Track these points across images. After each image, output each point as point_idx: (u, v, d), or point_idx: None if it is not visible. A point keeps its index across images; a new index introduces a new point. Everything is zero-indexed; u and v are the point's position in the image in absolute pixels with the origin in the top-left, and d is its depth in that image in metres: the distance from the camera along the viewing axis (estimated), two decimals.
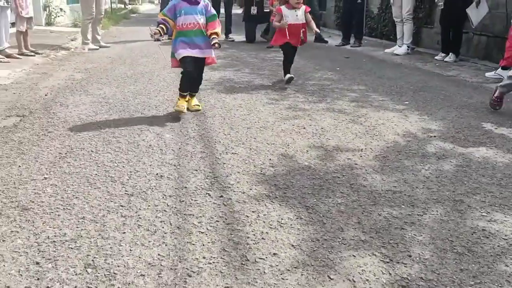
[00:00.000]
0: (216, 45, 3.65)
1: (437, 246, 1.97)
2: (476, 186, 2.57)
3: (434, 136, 3.43)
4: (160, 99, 4.36)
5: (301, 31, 4.92)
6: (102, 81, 5.09)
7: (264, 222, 2.15)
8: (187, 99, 3.90)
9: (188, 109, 3.87)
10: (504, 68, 5.58)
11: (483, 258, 1.90)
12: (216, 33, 3.67)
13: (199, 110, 3.92)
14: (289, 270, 1.80)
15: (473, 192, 2.50)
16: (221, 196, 2.39)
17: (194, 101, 4.00)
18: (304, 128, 3.59)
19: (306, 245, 1.97)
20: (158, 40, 4.10)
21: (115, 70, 5.79)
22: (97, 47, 7.75)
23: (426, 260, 1.88)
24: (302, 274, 1.77)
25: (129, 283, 1.67)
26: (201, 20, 3.65)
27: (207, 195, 2.41)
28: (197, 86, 3.99)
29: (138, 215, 2.16)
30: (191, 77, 3.77)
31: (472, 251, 1.94)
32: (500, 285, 1.73)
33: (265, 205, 2.32)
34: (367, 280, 1.75)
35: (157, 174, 2.64)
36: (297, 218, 2.19)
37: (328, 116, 3.93)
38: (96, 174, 2.60)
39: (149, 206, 2.25)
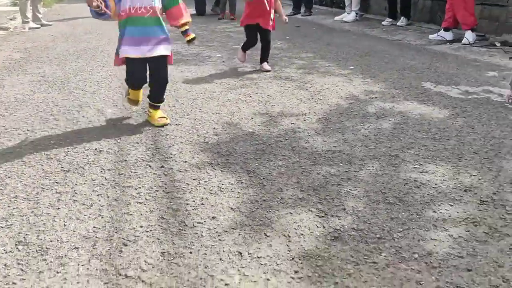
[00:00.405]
0: (195, 42, 2.95)
1: (370, 199, 2.05)
2: (411, 141, 2.67)
3: (376, 98, 3.51)
4: (103, 74, 4.23)
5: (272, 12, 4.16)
6: (42, 60, 4.86)
7: (204, 188, 2.16)
8: (140, 93, 3.08)
9: (152, 123, 2.97)
10: (446, 29, 5.75)
11: (413, 206, 1.99)
12: (187, 24, 2.83)
13: (166, 124, 2.94)
14: (226, 231, 1.82)
15: (408, 146, 2.59)
16: (162, 167, 2.37)
17: (159, 113, 2.98)
18: (250, 96, 3.59)
19: (245, 207, 1.99)
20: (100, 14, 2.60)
21: (56, 48, 5.54)
22: (39, 26, 7.36)
23: (359, 212, 1.95)
24: (239, 234, 1.80)
25: (62, 257, 1.64)
26: (157, 3, 2.70)
27: (147, 166, 2.38)
28: (159, 94, 2.96)
29: (74, 190, 2.11)
30: (138, 83, 2.95)
31: (403, 201, 2.03)
32: (427, 229, 1.82)
33: (207, 172, 2.32)
34: (302, 234, 1.79)
35: (95, 149, 2.57)
36: (237, 183, 2.21)
37: (275, 84, 3.94)
38: (31, 153, 2.51)
39: (86, 181, 2.21)
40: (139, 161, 2.43)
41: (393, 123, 2.97)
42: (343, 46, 5.64)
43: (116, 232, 1.80)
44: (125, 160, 2.44)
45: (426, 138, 2.71)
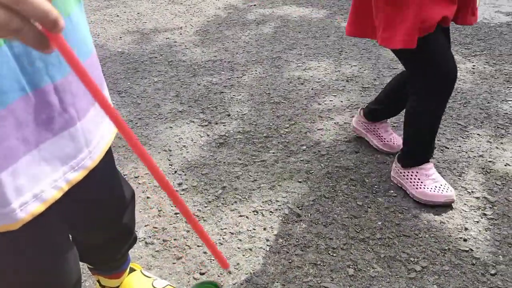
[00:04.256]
0: None
1: (255, 101, 1.92)
2: (293, 42, 2.57)
3: (254, 5, 3.32)
4: None
5: None
6: None
7: None
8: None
9: None
10: None
11: (298, 102, 1.90)
12: None
13: None
14: None
15: (290, 48, 2.49)
16: None
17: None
18: (118, 16, 3.17)
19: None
20: None
21: None
22: None
23: (244, 115, 1.81)
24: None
25: None
26: None
27: None
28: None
29: None
30: None
31: (288, 98, 1.93)
32: (313, 121, 1.76)
33: None
34: (184, 146, 1.62)
35: None
36: None
37: (145, 1, 3.53)
38: None
39: None
40: None
41: (274, 27, 2.82)
42: None
43: None
44: None
45: (307, 38, 2.62)
